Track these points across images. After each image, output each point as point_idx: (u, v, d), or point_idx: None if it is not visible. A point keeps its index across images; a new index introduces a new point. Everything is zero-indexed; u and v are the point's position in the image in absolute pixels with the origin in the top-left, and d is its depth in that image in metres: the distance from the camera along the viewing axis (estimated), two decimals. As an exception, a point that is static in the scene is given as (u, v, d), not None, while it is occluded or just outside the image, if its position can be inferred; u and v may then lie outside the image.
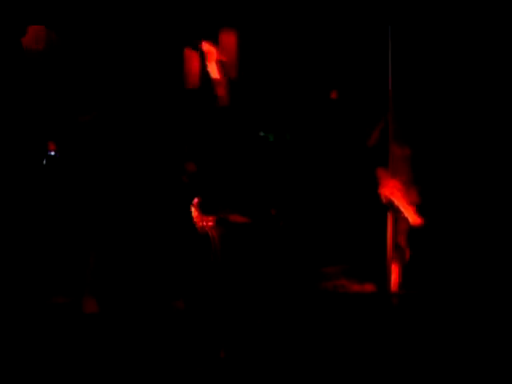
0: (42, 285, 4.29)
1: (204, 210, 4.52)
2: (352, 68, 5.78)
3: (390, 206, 5.25)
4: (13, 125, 4.82)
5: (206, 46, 6.19)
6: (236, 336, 4.16)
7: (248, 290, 4.53)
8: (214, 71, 5.86)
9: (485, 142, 5.61)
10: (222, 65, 6.11)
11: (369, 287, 5.90)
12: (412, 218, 5.27)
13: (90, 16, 5.52)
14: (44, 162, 4.93)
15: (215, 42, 6.10)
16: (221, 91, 5.67)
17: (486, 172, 5.60)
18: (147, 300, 4.06)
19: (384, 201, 5.27)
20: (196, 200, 4.65)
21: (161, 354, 3.81)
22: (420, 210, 5.29)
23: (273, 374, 3.74)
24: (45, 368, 3.57)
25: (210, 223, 4.33)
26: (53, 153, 5.32)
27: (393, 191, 5.22)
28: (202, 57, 6.12)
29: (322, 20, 5.73)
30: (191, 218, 4.40)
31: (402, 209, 5.22)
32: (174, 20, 6.09)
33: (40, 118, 5.38)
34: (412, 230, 5.39)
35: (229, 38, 5.99)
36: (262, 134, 5.97)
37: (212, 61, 5.92)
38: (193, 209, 4.52)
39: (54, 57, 5.31)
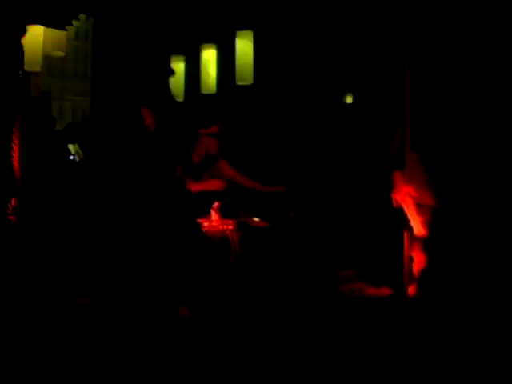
0: (66, 286, 4.31)
1: (224, 213, 4.55)
2: (369, 73, 5.82)
3: (400, 212, 5.21)
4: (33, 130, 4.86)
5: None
6: (252, 337, 4.18)
7: (266, 293, 4.56)
8: None
9: (499, 147, 5.64)
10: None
11: (385, 291, 5.90)
12: (417, 228, 5.25)
13: (100, 16, 5.56)
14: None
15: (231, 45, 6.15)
16: None
17: (501, 176, 5.63)
18: (160, 302, 4.05)
19: (395, 205, 5.26)
20: (216, 203, 4.68)
21: (179, 354, 3.83)
22: (432, 220, 5.33)
23: (287, 377, 3.75)
24: (64, 369, 3.59)
25: (231, 227, 4.35)
26: (72, 157, 5.39)
27: (405, 198, 5.20)
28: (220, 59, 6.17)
29: (340, 26, 5.77)
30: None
31: (410, 217, 5.19)
32: (186, 21, 6.14)
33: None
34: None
35: (245, 42, 6.03)
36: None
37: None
38: (213, 212, 4.56)
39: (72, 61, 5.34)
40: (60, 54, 5.14)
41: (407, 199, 5.21)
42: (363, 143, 6.02)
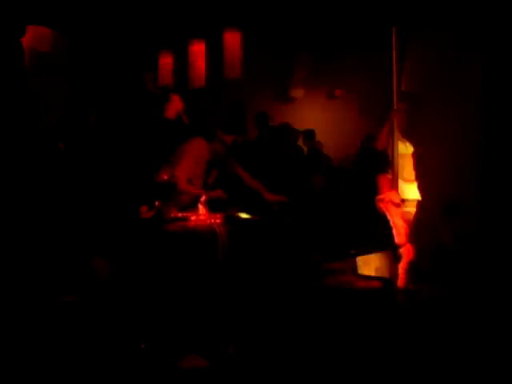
0: (48, 283, 4.28)
1: (211, 207, 4.55)
2: (357, 64, 5.81)
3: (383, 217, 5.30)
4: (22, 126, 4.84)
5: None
6: (241, 332, 4.19)
7: (254, 286, 4.55)
8: None
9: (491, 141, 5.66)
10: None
11: (375, 283, 5.92)
12: (398, 237, 5.31)
13: (94, 16, 5.54)
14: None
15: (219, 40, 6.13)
16: None
17: (492, 168, 5.65)
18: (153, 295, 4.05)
19: (379, 210, 5.32)
20: (204, 197, 4.68)
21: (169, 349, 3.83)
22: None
23: (276, 371, 3.75)
24: (48, 367, 3.57)
25: (218, 220, 4.35)
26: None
27: (387, 206, 5.28)
28: (208, 55, 6.17)
29: (327, 18, 5.76)
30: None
31: (392, 225, 5.26)
32: (176, 19, 6.12)
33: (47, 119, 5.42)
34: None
35: (233, 38, 6.03)
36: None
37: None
38: (200, 206, 4.55)
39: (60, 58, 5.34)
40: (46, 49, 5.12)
41: (390, 207, 5.29)
42: (352, 136, 6.04)
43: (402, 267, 5.36)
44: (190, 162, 4.86)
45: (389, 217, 5.28)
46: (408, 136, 5.38)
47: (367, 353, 4.05)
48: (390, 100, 5.33)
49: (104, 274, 3.51)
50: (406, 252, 5.30)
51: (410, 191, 5.36)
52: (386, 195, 5.29)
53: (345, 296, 5.42)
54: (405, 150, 5.40)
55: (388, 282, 5.55)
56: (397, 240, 5.28)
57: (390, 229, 5.26)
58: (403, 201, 5.31)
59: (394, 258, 5.38)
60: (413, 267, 5.35)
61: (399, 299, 5.25)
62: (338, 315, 4.80)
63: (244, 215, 4.66)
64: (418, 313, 4.79)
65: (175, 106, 3.51)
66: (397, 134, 5.42)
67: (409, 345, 4.15)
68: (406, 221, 5.26)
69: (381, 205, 5.31)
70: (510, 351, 3.88)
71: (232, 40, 6.04)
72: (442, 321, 4.55)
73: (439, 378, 3.64)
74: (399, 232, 5.28)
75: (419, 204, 5.36)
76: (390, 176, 5.37)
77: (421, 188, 5.36)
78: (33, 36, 5.03)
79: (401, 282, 5.33)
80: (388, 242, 5.28)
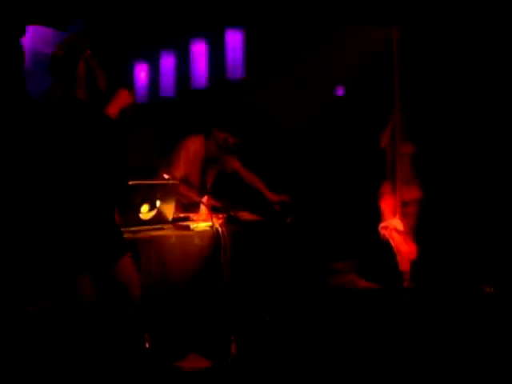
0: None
1: (214, 207, 4.53)
2: (358, 66, 5.78)
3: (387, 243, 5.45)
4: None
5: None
6: (243, 332, 4.17)
7: (256, 286, 4.54)
8: None
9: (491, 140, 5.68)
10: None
11: (377, 284, 5.92)
12: (402, 264, 5.44)
13: (94, 16, 5.52)
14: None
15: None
16: None
17: (491, 168, 5.67)
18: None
19: (381, 236, 5.45)
20: (206, 197, 4.67)
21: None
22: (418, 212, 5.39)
23: (279, 370, 3.74)
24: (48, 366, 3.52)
25: (220, 220, 4.33)
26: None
27: (391, 233, 5.41)
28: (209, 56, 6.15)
29: (328, 18, 5.74)
30: None
31: (396, 251, 5.41)
32: (177, 19, 6.10)
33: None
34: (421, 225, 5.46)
35: (235, 37, 6.01)
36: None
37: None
38: (202, 206, 4.54)
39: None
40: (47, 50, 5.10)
41: (394, 235, 5.41)
42: (354, 136, 6.01)
43: (404, 266, 5.40)
44: (186, 161, 4.82)
45: (392, 243, 5.41)
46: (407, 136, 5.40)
47: (369, 352, 4.04)
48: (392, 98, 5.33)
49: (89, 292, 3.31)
50: (408, 251, 5.32)
51: (409, 192, 5.40)
52: (389, 223, 5.38)
53: (347, 296, 5.42)
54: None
55: (390, 281, 5.56)
56: (401, 267, 5.42)
57: (393, 256, 5.31)
58: (404, 203, 5.35)
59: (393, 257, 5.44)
60: (414, 267, 5.37)
61: (401, 299, 5.26)
62: (340, 315, 4.79)
63: (248, 216, 4.65)
64: (420, 311, 4.79)
65: (120, 102, 3.22)
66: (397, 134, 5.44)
67: (411, 343, 4.14)
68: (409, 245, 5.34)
69: (384, 232, 5.42)
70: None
71: (234, 39, 6.03)
72: (442, 319, 4.56)
73: (441, 375, 3.63)
74: (403, 259, 5.42)
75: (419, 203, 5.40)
76: (392, 201, 5.40)
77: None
78: (34, 36, 5.01)
79: (403, 281, 5.37)
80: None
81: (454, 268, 5.44)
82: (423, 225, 5.41)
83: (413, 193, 5.43)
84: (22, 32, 4.77)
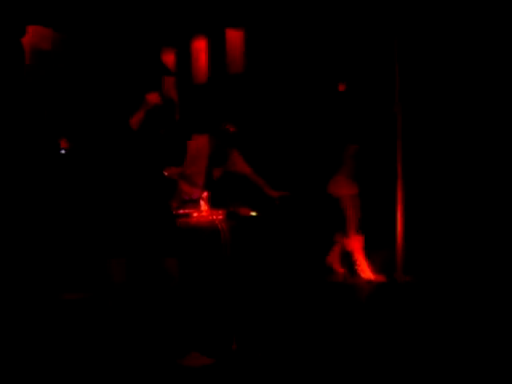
0: (52, 281, 4.29)
1: (214, 203, 4.54)
2: (359, 62, 5.79)
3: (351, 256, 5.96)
4: (21, 124, 4.86)
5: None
6: (244, 329, 4.18)
7: (257, 282, 4.55)
8: None
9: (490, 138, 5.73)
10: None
11: (376, 277, 5.93)
12: (366, 273, 5.88)
13: (94, 16, 5.54)
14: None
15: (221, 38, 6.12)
16: None
17: (487, 164, 5.72)
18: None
19: (347, 248, 5.93)
20: (206, 193, 4.66)
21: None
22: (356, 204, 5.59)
23: (280, 367, 3.74)
24: (52, 365, 3.58)
25: (220, 217, 4.33)
26: (63, 151, 5.37)
27: (355, 246, 5.87)
28: (210, 52, 6.15)
29: (331, 15, 5.75)
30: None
31: (358, 261, 5.89)
32: (179, 16, 6.11)
33: (49, 117, 5.43)
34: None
35: (235, 34, 6.01)
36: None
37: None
38: (202, 202, 4.54)
39: (61, 57, 5.34)
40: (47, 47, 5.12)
41: (357, 248, 5.89)
42: (353, 132, 6.02)
43: (358, 258, 5.92)
44: (190, 159, 4.83)
45: (356, 255, 5.93)
46: None
47: (369, 347, 4.03)
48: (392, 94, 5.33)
49: (120, 275, 3.52)
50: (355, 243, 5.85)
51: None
52: (354, 238, 5.91)
53: (346, 290, 5.43)
54: None
55: (389, 274, 5.59)
56: (363, 275, 5.86)
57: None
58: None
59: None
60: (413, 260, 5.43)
61: (398, 292, 5.30)
62: (340, 308, 4.80)
63: (252, 213, 4.64)
64: (418, 304, 4.80)
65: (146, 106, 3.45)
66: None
67: (408, 336, 4.14)
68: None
69: (349, 244, 5.94)
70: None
71: (234, 36, 6.03)
72: (441, 312, 4.55)
73: (442, 370, 3.62)
74: (365, 268, 5.88)
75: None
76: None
77: None
78: (33, 35, 5.03)
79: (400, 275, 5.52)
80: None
81: (445, 262, 5.52)
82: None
83: (350, 189, 5.86)
84: (22, 32, 4.79)
